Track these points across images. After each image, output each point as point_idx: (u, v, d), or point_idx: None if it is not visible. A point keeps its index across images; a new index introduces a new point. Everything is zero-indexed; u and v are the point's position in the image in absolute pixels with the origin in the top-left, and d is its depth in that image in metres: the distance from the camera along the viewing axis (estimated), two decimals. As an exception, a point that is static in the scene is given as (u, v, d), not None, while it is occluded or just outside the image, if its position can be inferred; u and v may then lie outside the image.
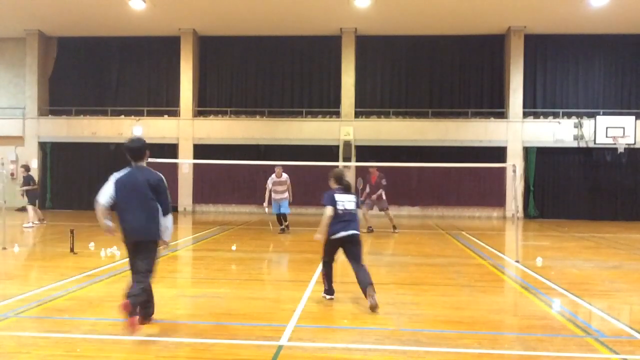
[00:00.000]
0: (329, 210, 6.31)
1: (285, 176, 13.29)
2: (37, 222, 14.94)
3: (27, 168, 15.52)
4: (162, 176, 5.22)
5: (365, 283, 6.07)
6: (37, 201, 15.34)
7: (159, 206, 5.16)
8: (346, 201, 6.44)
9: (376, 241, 12.56)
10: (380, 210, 14.04)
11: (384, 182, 13.67)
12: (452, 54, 20.66)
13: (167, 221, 5.20)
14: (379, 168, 13.80)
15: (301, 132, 20.20)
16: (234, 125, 20.64)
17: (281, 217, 13.55)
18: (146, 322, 5.18)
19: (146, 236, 5.13)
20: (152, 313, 5.30)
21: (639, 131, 18.63)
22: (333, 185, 6.61)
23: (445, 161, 17.89)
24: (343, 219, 6.35)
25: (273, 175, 13.26)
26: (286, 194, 13.29)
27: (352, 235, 6.35)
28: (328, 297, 6.57)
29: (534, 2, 17.40)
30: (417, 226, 16.70)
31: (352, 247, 6.41)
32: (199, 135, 20.67)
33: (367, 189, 13.86)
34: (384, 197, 13.73)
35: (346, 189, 6.57)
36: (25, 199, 14.86)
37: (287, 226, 13.70)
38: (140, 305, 5.03)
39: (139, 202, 5.12)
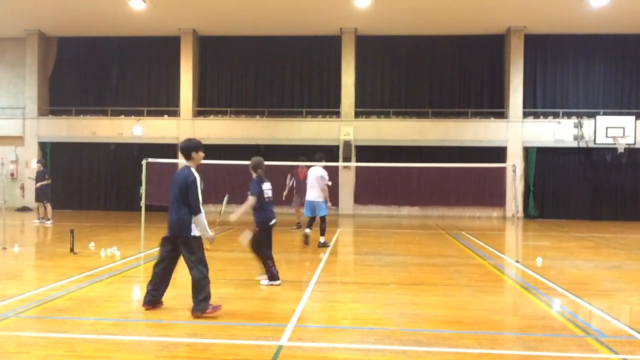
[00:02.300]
0: (253, 199, 7.09)
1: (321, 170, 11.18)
2: (49, 220, 14.99)
3: (43, 163, 16.18)
4: (196, 177, 5.64)
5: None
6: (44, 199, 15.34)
7: (190, 205, 5.60)
8: (268, 189, 7.29)
9: (376, 241, 12.56)
10: (301, 205, 13.20)
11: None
12: (452, 54, 20.65)
13: (196, 220, 5.62)
14: (308, 167, 12.61)
15: (301, 132, 20.20)
16: (234, 125, 20.64)
17: (312, 223, 11.34)
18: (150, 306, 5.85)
19: (176, 232, 5.65)
20: (159, 298, 5.92)
21: (639, 131, 18.62)
22: (255, 173, 7.28)
23: (445, 161, 17.90)
24: (270, 207, 7.21)
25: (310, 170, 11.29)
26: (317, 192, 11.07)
27: (275, 223, 7.30)
28: (277, 283, 7.18)
29: (534, 2, 17.39)
30: (417, 226, 16.70)
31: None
32: (199, 135, 20.60)
33: (293, 184, 13.77)
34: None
35: (264, 178, 7.32)
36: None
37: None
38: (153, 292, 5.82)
39: (175, 200, 5.64)
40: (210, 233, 5.75)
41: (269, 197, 7.25)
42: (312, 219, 11.16)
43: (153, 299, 5.84)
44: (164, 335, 5.04)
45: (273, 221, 7.24)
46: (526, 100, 20.06)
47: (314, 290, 6.98)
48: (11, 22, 20.16)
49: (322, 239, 10.98)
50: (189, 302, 5.67)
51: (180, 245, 5.69)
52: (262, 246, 7.21)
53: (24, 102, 21.48)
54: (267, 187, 7.26)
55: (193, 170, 5.72)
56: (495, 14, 18.48)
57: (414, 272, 8.47)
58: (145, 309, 5.81)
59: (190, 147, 5.82)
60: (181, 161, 20.87)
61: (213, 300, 5.72)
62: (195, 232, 5.63)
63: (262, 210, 7.15)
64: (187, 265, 5.69)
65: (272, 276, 7.18)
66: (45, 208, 15.17)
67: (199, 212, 5.57)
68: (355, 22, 19.69)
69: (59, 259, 9.20)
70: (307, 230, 11.06)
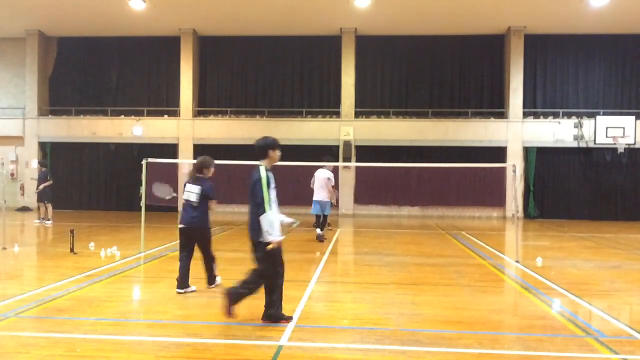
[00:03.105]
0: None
1: (330, 173, 12.35)
2: (49, 221, 15.00)
3: (43, 164, 16.09)
4: (262, 175, 5.25)
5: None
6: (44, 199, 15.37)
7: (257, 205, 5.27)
8: (189, 192, 6.76)
9: (376, 241, 12.55)
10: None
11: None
12: (452, 54, 20.65)
13: (261, 222, 5.20)
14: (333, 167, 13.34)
15: (301, 132, 20.20)
16: (234, 125, 20.64)
17: (321, 221, 12.28)
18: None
19: (251, 236, 5.41)
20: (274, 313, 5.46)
21: (639, 131, 18.62)
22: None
23: (445, 161, 17.90)
24: (184, 210, 6.81)
25: (319, 171, 12.27)
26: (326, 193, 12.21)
27: (183, 228, 6.76)
28: (178, 290, 6.74)
29: (534, 2, 17.39)
30: (417, 226, 16.70)
31: (194, 240, 6.83)
32: (199, 135, 20.67)
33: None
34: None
35: (193, 179, 6.81)
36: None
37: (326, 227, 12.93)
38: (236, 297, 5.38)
39: (250, 203, 5.39)
40: (273, 237, 5.21)
41: (185, 200, 6.80)
42: (318, 217, 12.16)
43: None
44: (164, 335, 5.04)
45: (181, 225, 6.82)
46: (526, 100, 20.06)
47: (314, 290, 6.98)
48: (11, 22, 20.16)
49: (321, 232, 12.03)
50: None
51: (253, 247, 5.48)
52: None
53: (24, 102, 21.48)
54: (188, 189, 6.79)
55: (262, 169, 5.34)
56: (495, 14, 18.48)
57: (414, 272, 8.46)
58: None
59: (268, 145, 5.43)
60: (181, 160, 20.79)
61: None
62: (265, 237, 5.29)
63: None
64: (254, 268, 5.46)
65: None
66: (46, 208, 15.18)
67: (264, 211, 5.17)
68: (355, 22, 19.69)
69: (59, 259, 9.20)
70: (320, 232, 12.04)
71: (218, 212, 22.24)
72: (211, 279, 7.01)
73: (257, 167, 5.41)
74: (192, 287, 6.79)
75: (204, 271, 6.98)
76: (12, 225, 14.48)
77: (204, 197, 6.71)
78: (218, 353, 4.54)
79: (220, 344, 4.75)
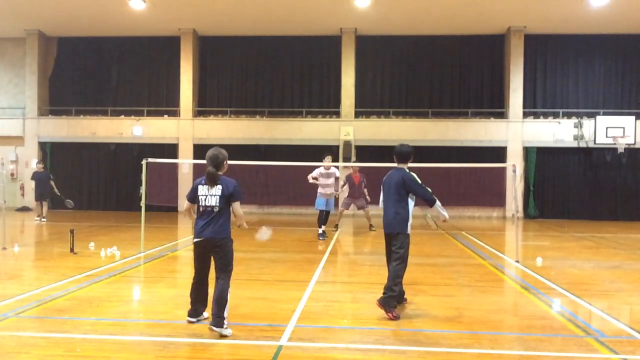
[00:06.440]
0: (185, 206, 5.38)
1: (333, 169, 12.51)
2: (44, 218, 15.38)
3: (43, 163, 16.68)
4: (414, 174, 5.98)
5: (214, 303, 4.98)
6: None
7: (409, 202, 5.93)
8: (208, 195, 5.19)
9: (376, 241, 12.55)
10: (360, 208, 14.27)
11: (365, 181, 13.96)
12: (452, 54, 20.64)
13: (438, 206, 6.03)
14: (360, 169, 14.08)
15: (301, 132, 20.19)
16: (234, 125, 20.64)
17: (323, 217, 12.42)
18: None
19: (392, 229, 5.94)
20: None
21: (639, 131, 18.62)
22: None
23: (445, 161, 17.87)
24: (203, 218, 5.18)
25: (322, 167, 12.37)
26: (332, 190, 12.48)
27: (206, 240, 5.11)
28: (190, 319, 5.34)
29: (534, 2, 17.39)
30: (417, 226, 16.64)
31: (214, 255, 5.17)
32: (199, 135, 20.66)
33: (347, 188, 14.02)
34: (367, 197, 13.92)
35: (209, 178, 5.22)
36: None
37: (336, 225, 13.80)
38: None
39: (390, 199, 5.99)
40: (446, 214, 6.21)
41: (203, 207, 5.25)
42: (322, 214, 12.45)
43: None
44: (164, 335, 5.03)
45: (195, 238, 5.26)
46: (526, 100, 20.05)
47: (314, 290, 6.98)
48: (11, 22, 20.15)
49: (323, 229, 12.36)
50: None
51: (391, 240, 5.97)
52: None
53: (24, 102, 21.47)
54: (205, 191, 5.27)
55: (407, 170, 6.06)
56: (495, 14, 18.47)
57: (414, 272, 8.44)
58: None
59: (412, 152, 6.25)
60: (181, 161, 20.79)
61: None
62: (408, 230, 5.92)
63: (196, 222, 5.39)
64: (393, 257, 5.91)
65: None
66: (42, 206, 15.53)
67: (435, 200, 5.97)
68: (355, 22, 19.68)
69: (59, 259, 9.20)
70: (321, 230, 12.37)
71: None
72: (218, 319, 4.94)
73: (401, 170, 6.04)
74: (205, 314, 5.43)
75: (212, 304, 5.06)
76: (12, 225, 14.49)
77: (228, 200, 5.23)
78: (218, 353, 4.54)
79: (220, 344, 4.75)
